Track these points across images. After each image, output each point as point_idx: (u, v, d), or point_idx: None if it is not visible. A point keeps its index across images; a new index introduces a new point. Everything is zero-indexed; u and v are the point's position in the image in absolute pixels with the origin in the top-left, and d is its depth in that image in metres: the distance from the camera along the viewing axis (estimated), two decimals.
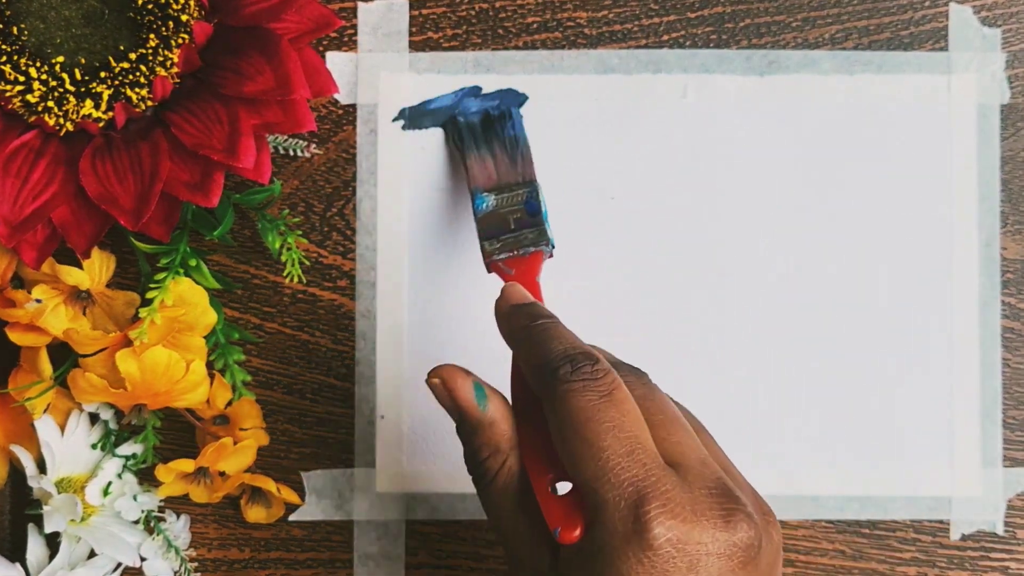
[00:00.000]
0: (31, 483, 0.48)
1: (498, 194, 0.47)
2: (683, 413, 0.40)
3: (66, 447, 0.48)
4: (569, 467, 0.36)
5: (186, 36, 0.45)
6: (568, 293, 0.50)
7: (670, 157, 0.50)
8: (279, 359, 0.50)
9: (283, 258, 0.49)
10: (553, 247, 0.46)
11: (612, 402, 0.36)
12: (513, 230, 0.46)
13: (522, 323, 0.40)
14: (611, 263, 0.50)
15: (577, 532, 0.36)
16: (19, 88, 0.44)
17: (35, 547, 0.48)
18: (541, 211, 0.47)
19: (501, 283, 0.43)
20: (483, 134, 0.49)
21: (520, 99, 0.49)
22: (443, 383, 0.40)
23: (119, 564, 0.49)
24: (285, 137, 0.50)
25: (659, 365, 0.50)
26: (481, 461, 0.39)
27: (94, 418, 0.49)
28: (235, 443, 0.47)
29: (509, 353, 0.50)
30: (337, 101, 0.50)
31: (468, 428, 0.40)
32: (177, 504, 0.50)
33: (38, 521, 0.48)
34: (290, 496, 0.49)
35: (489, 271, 0.46)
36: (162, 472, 0.48)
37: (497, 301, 0.42)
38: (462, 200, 0.50)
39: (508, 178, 0.48)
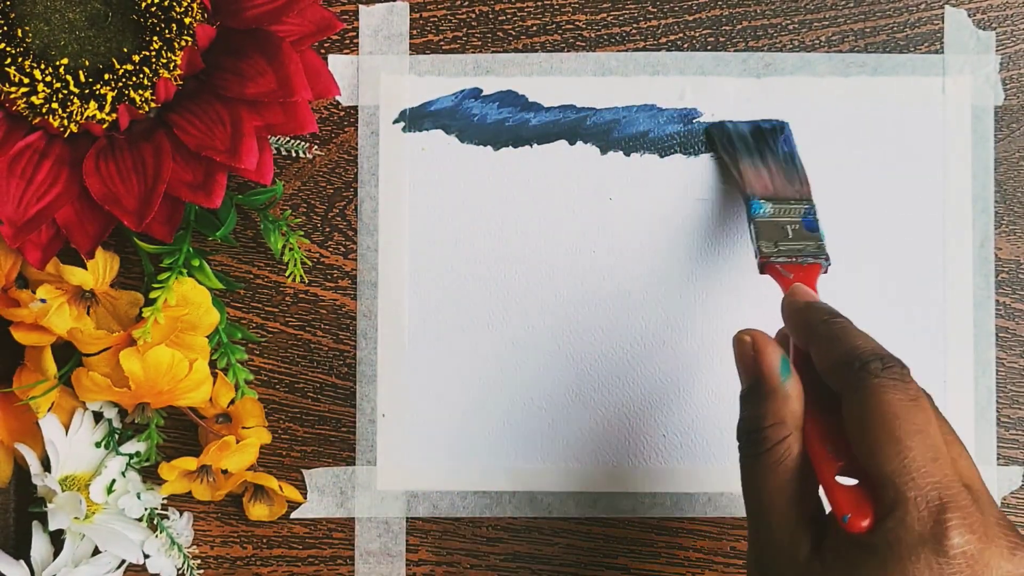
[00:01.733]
0: (35, 481, 0.48)
1: (775, 204, 0.48)
2: None
3: (70, 445, 0.48)
4: (867, 458, 0.37)
5: (189, 38, 0.45)
6: (570, 291, 0.50)
7: (667, 159, 0.50)
8: (281, 358, 0.51)
9: (285, 258, 0.49)
10: (830, 263, 0.46)
11: (919, 407, 0.37)
12: (791, 239, 0.47)
13: (822, 317, 0.41)
14: (608, 263, 0.50)
15: (867, 522, 0.36)
16: (24, 90, 0.44)
17: (39, 545, 0.49)
18: (819, 229, 0.47)
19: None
20: (755, 145, 0.49)
21: (778, 123, 0.50)
22: (753, 343, 0.41)
23: (122, 561, 0.49)
24: (287, 138, 0.50)
25: (656, 364, 0.50)
26: (763, 428, 0.39)
27: (98, 416, 0.49)
28: (237, 441, 0.48)
29: (508, 357, 0.50)
30: (338, 103, 0.51)
31: (760, 393, 0.40)
32: (180, 502, 0.50)
33: (42, 519, 0.48)
34: (292, 494, 0.49)
35: (763, 271, 0.46)
36: (165, 470, 0.48)
37: (786, 297, 0.43)
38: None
39: (785, 192, 0.48)
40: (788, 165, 0.49)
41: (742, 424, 0.41)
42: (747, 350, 0.41)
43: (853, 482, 0.38)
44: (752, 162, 0.49)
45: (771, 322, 0.48)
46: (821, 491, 0.39)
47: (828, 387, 0.40)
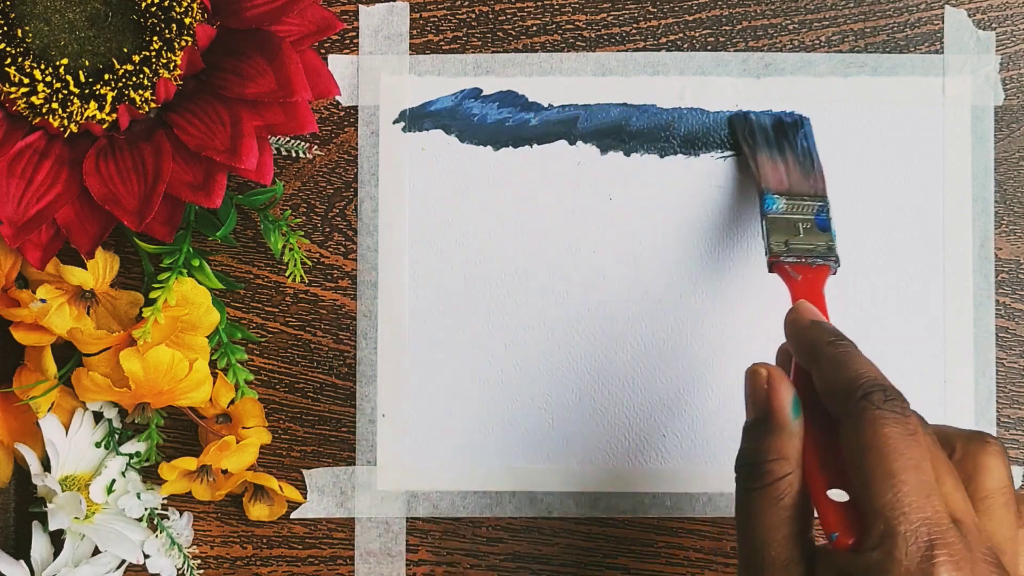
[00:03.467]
0: (35, 481, 0.48)
1: (789, 199, 0.47)
2: None
3: (70, 445, 0.48)
4: (861, 489, 0.37)
5: (189, 38, 0.45)
6: (570, 291, 0.50)
7: (666, 159, 0.50)
8: (281, 358, 0.51)
9: (285, 258, 0.49)
10: (839, 265, 0.46)
11: (916, 442, 0.37)
12: (802, 237, 0.46)
13: (827, 339, 0.41)
14: (608, 263, 0.50)
15: (852, 541, 0.37)
16: (24, 90, 0.44)
17: (39, 545, 0.49)
18: (831, 228, 0.47)
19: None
20: (775, 138, 0.49)
21: (796, 117, 0.50)
22: (768, 377, 0.40)
23: (122, 561, 0.49)
24: (287, 138, 0.50)
25: (656, 364, 0.50)
26: (764, 462, 0.39)
27: (98, 416, 0.49)
28: (237, 441, 0.48)
29: (507, 356, 0.50)
30: (338, 103, 0.51)
31: (768, 428, 0.40)
32: (180, 502, 0.50)
33: (42, 519, 0.48)
34: (292, 494, 0.49)
35: (771, 271, 0.46)
36: (165, 470, 0.48)
37: (790, 313, 0.43)
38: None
39: (800, 187, 0.48)
40: (805, 160, 0.49)
41: (744, 455, 0.40)
42: (760, 383, 0.41)
43: (844, 497, 0.38)
44: (770, 155, 0.49)
45: (772, 324, 0.48)
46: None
47: (825, 408, 0.40)
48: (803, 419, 0.40)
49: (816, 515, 0.39)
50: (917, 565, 0.35)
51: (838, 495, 0.38)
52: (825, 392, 0.40)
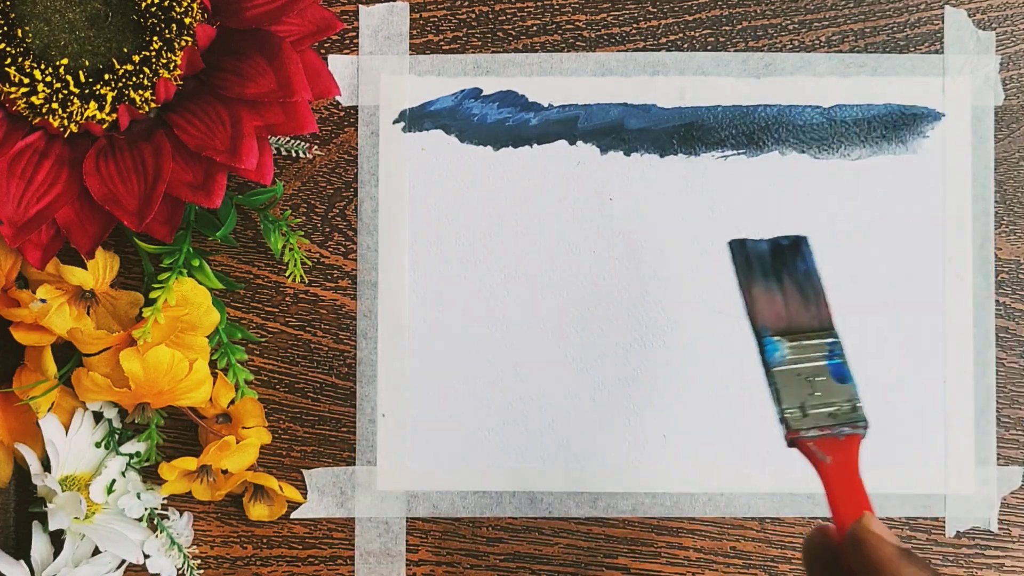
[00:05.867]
0: (35, 481, 0.48)
1: (792, 341, 0.41)
2: None
3: (70, 445, 0.48)
4: None
5: (189, 39, 0.45)
6: (570, 291, 0.50)
7: (666, 159, 0.50)
8: (281, 358, 0.51)
9: (285, 258, 0.49)
10: (868, 427, 0.39)
11: None
12: (819, 397, 0.39)
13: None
14: (608, 263, 0.50)
15: None
16: (24, 90, 0.44)
17: (39, 545, 0.49)
18: (850, 376, 0.40)
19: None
20: (772, 264, 0.43)
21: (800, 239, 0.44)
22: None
23: (122, 561, 0.49)
24: (287, 139, 0.50)
25: (656, 364, 0.50)
26: None
27: (98, 417, 0.49)
28: (237, 441, 0.48)
29: (508, 356, 0.50)
30: (338, 103, 0.51)
31: None
32: (180, 502, 0.50)
33: (42, 519, 0.48)
34: (292, 494, 0.49)
35: (791, 446, 0.39)
36: (165, 470, 0.48)
37: (862, 533, 0.36)
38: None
39: (801, 320, 0.41)
40: (805, 284, 0.43)
41: None
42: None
43: None
44: (766, 284, 0.42)
45: None
46: None
47: None
48: None
49: None
50: None
51: None
52: None
